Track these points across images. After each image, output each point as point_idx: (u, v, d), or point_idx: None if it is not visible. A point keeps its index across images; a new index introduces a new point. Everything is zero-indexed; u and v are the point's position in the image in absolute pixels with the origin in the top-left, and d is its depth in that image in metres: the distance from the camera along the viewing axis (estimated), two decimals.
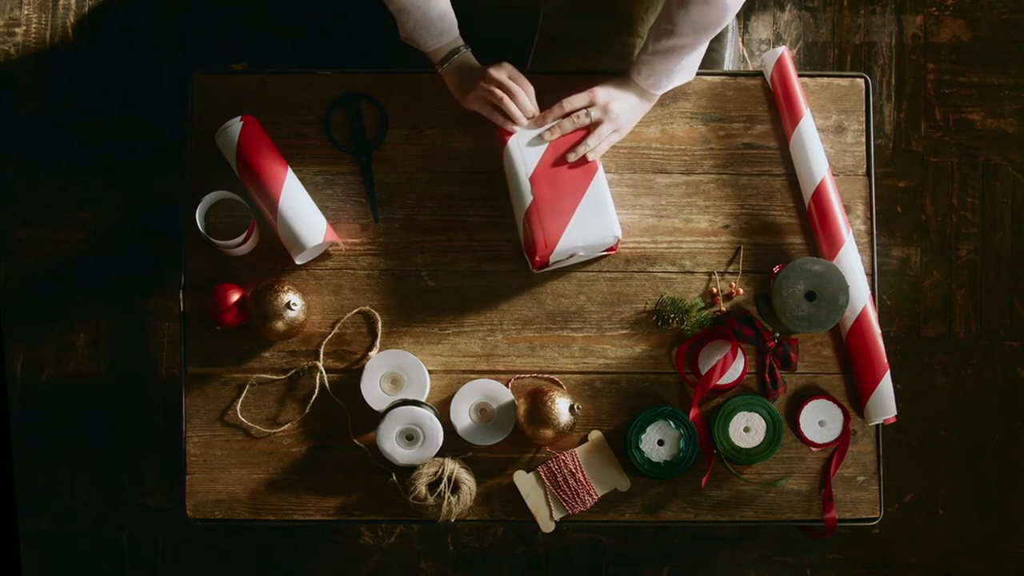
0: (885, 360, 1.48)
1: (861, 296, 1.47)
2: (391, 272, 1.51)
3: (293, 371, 1.50)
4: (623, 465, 1.49)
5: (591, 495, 1.47)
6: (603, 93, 1.45)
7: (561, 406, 1.42)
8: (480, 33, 1.54)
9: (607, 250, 1.48)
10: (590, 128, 1.46)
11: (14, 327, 2.09)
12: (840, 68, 2.18)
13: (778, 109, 1.54)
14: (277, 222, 1.45)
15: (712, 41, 1.68)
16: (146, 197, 2.11)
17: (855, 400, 1.51)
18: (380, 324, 1.50)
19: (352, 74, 1.54)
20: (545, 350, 1.51)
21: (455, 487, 1.42)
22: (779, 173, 1.54)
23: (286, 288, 1.44)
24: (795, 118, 1.51)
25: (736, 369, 1.49)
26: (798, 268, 1.42)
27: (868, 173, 1.54)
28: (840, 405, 1.50)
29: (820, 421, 1.50)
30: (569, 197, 1.43)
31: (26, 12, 2.17)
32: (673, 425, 1.47)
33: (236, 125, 1.46)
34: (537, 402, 1.42)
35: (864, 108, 1.55)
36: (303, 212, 1.45)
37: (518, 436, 1.48)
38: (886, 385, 1.48)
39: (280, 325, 1.43)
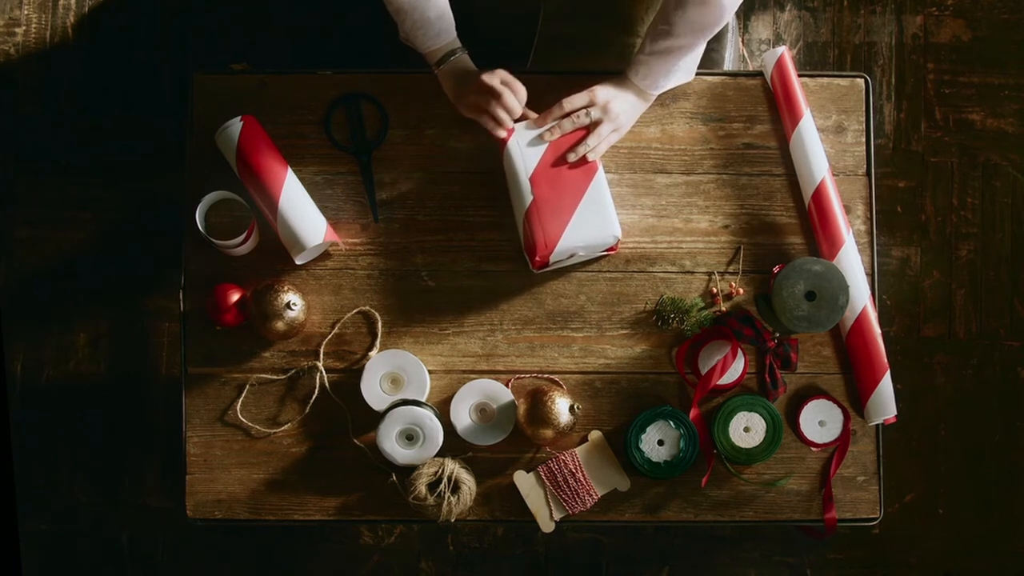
0: (885, 360, 1.48)
1: (861, 296, 1.47)
2: (391, 272, 1.51)
3: (293, 371, 1.50)
4: (623, 465, 1.49)
5: (591, 495, 1.47)
6: (603, 92, 1.45)
7: (561, 406, 1.42)
8: (480, 33, 1.54)
9: (607, 250, 1.48)
10: (590, 128, 1.46)
11: (14, 327, 2.09)
12: (840, 68, 2.18)
13: (778, 109, 1.54)
14: (277, 222, 1.45)
15: (712, 41, 1.68)
16: (146, 197, 2.11)
17: (855, 400, 1.51)
18: (380, 324, 1.50)
19: (352, 74, 1.54)
20: (545, 350, 1.51)
21: (455, 487, 1.42)
22: (779, 173, 1.54)
23: (286, 288, 1.44)
24: (795, 118, 1.51)
25: (736, 369, 1.49)
26: (798, 268, 1.42)
27: (868, 173, 1.54)
28: (840, 405, 1.50)
29: (820, 421, 1.50)
30: (569, 197, 1.42)
31: (26, 12, 2.17)
32: (673, 425, 1.47)
33: (236, 125, 1.46)
34: (537, 402, 1.42)
35: (864, 108, 1.55)
36: (303, 212, 1.45)
37: (518, 436, 1.48)
38: (886, 385, 1.48)
39: (280, 325, 1.43)
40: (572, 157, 1.44)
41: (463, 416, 1.47)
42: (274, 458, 1.49)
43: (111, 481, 2.08)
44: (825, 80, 1.55)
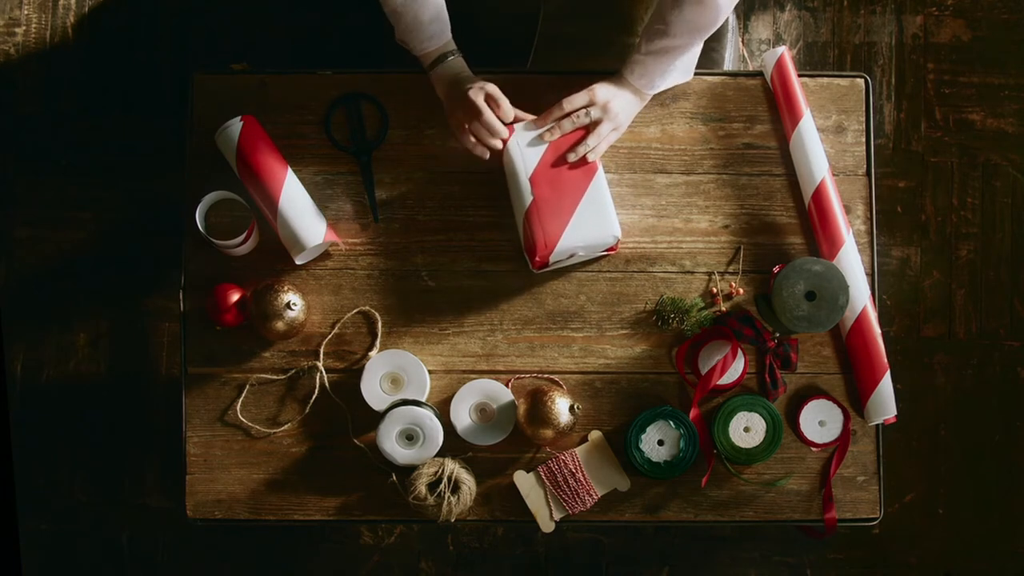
0: (885, 360, 1.48)
1: (861, 296, 1.47)
2: (391, 272, 1.51)
3: (293, 371, 1.50)
4: (623, 465, 1.49)
5: (591, 495, 1.47)
6: (603, 92, 1.45)
7: (561, 406, 1.42)
8: (480, 33, 1.54)
9: (607, 250, 1.48)
10: (589, 128, 1.45)
11: (14, 327, 2.09)
12: (840, 68, 2.18)
13: (778, 109, 1.54)
14: (277, 222, 1.45)
15: (712, 41, 1.68)
16: (146, 197, 2.11)
17: (855, 400, 1.51)
18: (380, 324, 1.50)
19: (352, 74, 1.54)
20: (545, 350, 1.51)
21: (455, 487, 1.42)
22: (779, 173, 1.54)
23: (286, 288, 1.44)
24: (795, 118, 1.51)
25: (736, 369, 1.49)
26: (798, 268, 1.42)
27: (868, 173, 1.54)
28: (840, 405, 1.50)
29: (820, 421, 1.50)
30: (569, 197, 1.42)
31: (26, 12, 2.17)
32: (673, 425, 1.47)
33: (236, 125, 1.46)
34: (537, 402, 1.42)
35: (864, 108, 1.55)
36: (303, 212, 1.45)
37: (518, 436, 1.48)
38: (886, 385, 1.48)
39: (280, 325, 1.43)
40: (572, 157, 1.44)
41: (463, 416, 1.47)
42: (274, 458, 1.49)
43: (111, 481, 2.09)
44: (825, 80, 1.55)
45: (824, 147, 1.51)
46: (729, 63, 1.73)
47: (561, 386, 1.50)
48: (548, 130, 1.44)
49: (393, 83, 1.53)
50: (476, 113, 1.41)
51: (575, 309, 1.51)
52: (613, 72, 1.48)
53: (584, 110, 1.44)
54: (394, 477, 1.46)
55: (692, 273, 1.52)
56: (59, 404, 2.09)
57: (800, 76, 1.53)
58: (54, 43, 2.16)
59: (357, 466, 1.49)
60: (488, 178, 1.52)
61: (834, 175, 1.52)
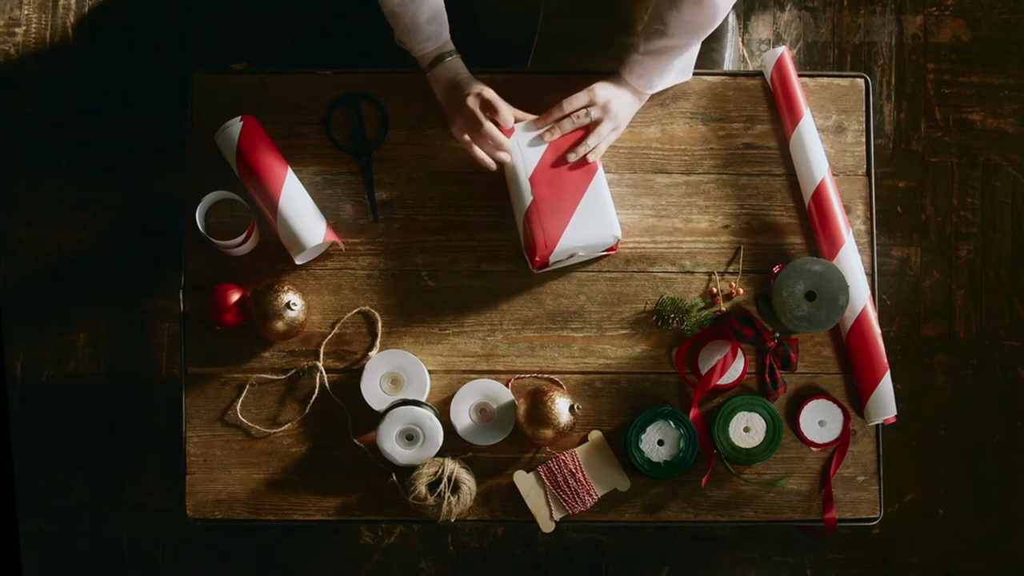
0: (885, 360, 1.48)
1: (861, 296, 1.47)
2: (391, 272, 1.51)
3: (293, 371, 1.50)
4: (623, 465, 1.49)
5: (591, 495, 1.47)
6: (602, 92, 1.45)
7: (561, 406, 1.42)
8: (480, 33, 1.54)
9: (607, 250, 1.48)
10: (589, 128, 1.45)
11: (14, 327, 2.09)
12: (840, 68, 2.18)
13: (778, 109, 1.54)
14: (277, 222, 1.45)
15: (712, 41, 1.68)
16: (146, 197, 2.11)
17: (855, 400, 1.51)
18: (380, 324, 1.50)
19: (352, 74, 1.54)
20: (545, 350, 1.51)
21: (455, 487, 1.42)
22: (779, 173, 1.54)
23: (286, 288, 1.44)
24: (795, 118, 1.51)
25: (736, 369, 1.49)
26: (798, 268, 1.42)
27: (868, 173, 1.54)
28: (840, 405, 1.50)
29: (820, 421, 1.50)
30: (569, 197, 1.42)
31: (26, 12, 2.17)
32: (673, 425, 1.47)
33: (236, 125, 1.46)
34: (537, 402, 1.42)
35: (864, 108, 1.55)
36: (303, 212, 1.45)
37: (518, 436, 1.48)
38: (886, 385, 1.48)
39: (280, 325, 1.43)
40: (572, 157, 1.44)
41: (463, 416, 1.47)
42: (274, 458, 1.49)
43: (111, 481, 2.09)
44: (825, 80, 1.55)
45: (824, 147, 1.51)
46: (729, 63, 1.73)
47: (561, 386, 1.50)
48: (548, 130, 1.45)
49: (393, 83, 1.53)
50: (476, 125, 1.41)
51: (575, 309, 1.51)
52: (609, 72, 1.48)
53: (584, 110, 1.44)
54: (394, 477, 1.46)
55: (692, 273, 1.52)
56: (59, 404, 2.09)
57: (800, 76, 1.53)
58: (54, 43, 2.16)
59: (357, 466, 1.49)
60: (488, 178, 1.52)
61: (834, 175, 1.52)
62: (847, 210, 1.52)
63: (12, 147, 2.13)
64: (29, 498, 2.07)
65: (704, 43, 1.49)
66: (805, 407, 1.49)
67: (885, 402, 1.47)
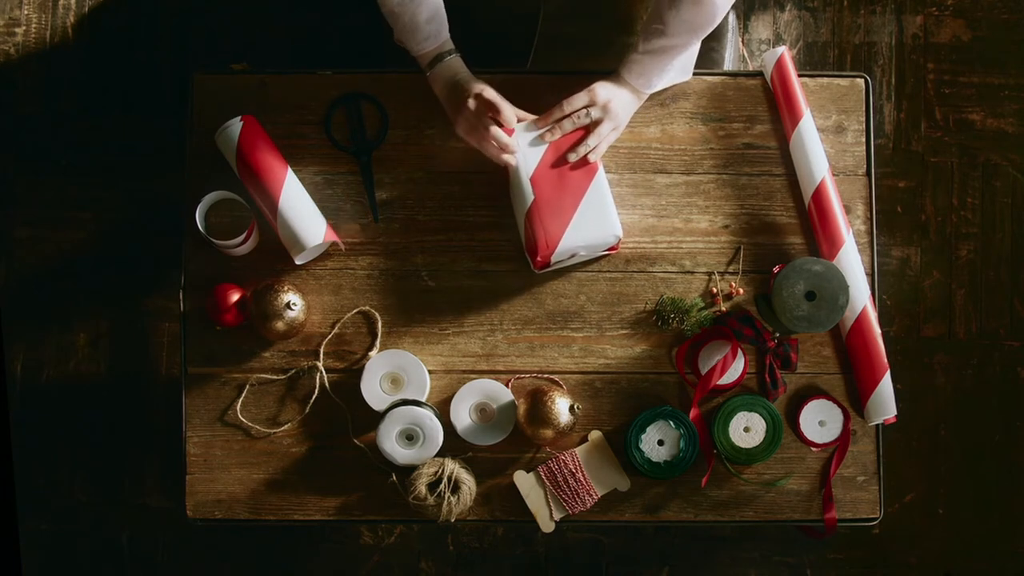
0: (885, 360, 1.48)
1: (861, 296, 1.47)
2: (391, 272, 1.51)
3: (293, 371, 1.50)
4: (623, 465, 1.49)
5: (591, 495, 1.47)
6: (603, 92, 1.45)
7: (561, 406, 1.42)
8: (480, 33, 1.54)
9: (608, 250, 1.48)
10: (589, 127, 1.45)
11: (14, 327, 2.09)
12: (840, 68, 2.18)
13: (778, 109, 1.54)
14: (277, 222, 1.45)
15: (712, 41, 1.68)
16: (146, 197, 2.11)
17: (855, 400, 1.51)
18: (380, 324, 1.50)
19: (352, 74, 1.54)
20: (545, 350, 1.51)
21: (455, 487, 1.42)
22: (779, 173, 1.54)
23: (286, 288, 1.44)
24: (795, 118, 1.51)
25: (736, 369, 1.49)
26: (798, 268, 1.42)
27: (868, 173, 1.54)
28: (840, 405, 1.50)
29: (820, 421, 1.50)
30: (570, 197, 1.43)
31: (26, 12, 2.17)
32: (673, 425, 1.47)
33: (236, 125, 1.46)
34: (537, 402, 1.42)
35: (864, 108, 1.55)
36: (303, 212, 1.45)
37: (518, 436, 1.48)
38: (886, 385, 1.48)
39: (280, 325, 1.43)
40: (573, 157, 1.44)
41: (463, 416, 1.47)
42: (274, 458, 1.49)
43: (111, 481, 2.09)
44: (825, 80, 1.55)
45: (824, 147, 1.51)
46: (729, 63, 1.73)
47: (561, 386, 1.50)
48: (548, 130, 1.45)
49: (393, 83, 1.53)
50: (479, 128, 1.41)
51: (575, 309, 1.51)
52: (609, 71, 1.48)
53: (584, 110, 1.44)
54: (394, 477, 1.46)
55: (692, 273, 1.52)
56: (59, 404, 2.09)
57: (800, 76, 1.53)
58: (54, 43, 2.16)
59: (357, 466, 1.49)
60: (488, 178, 1.52)
61: (834, 175, 1.52)
62: (847, 210, 1.52)
63: (12, 147, 2.13)
64: (29, 498, 2.07)
65: (704, 43, 1.49)
66: (805, 407, 1.49)
67: (885, 402, 1.47)
